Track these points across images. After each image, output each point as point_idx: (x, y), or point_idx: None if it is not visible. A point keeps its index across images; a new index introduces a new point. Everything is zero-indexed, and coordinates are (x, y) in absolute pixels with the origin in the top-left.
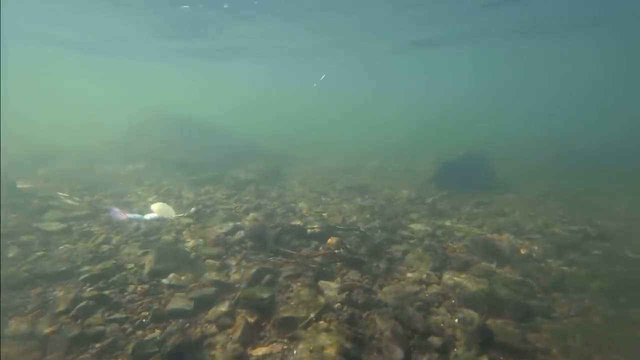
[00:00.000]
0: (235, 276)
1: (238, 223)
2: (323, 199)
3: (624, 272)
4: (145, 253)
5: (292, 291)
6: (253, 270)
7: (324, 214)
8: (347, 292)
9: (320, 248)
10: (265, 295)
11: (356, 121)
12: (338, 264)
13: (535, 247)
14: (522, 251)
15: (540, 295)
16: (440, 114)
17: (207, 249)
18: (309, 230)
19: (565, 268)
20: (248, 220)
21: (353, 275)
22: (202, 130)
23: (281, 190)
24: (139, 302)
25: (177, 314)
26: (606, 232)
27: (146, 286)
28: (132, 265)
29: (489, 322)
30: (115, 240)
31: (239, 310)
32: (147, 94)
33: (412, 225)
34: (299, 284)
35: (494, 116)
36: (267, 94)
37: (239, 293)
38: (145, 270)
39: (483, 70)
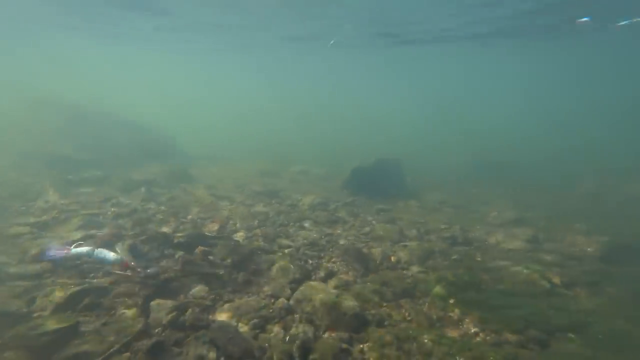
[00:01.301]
0: (42, 301)
1: (92, 232)
2: (222, 203)
3: (463, 275)
4: None
5: (113, 315)
6: (69, 293)
7: (201, 221)
8: (176, 313)
9: (180, 258)
10: (60, 325)
11: (294, 124)
12: (191, 277)
13: (404, 255)
14: (392, 259)
15: (387, 304)
16: (374, 120)
17: (22, 267)
18: (176, 240)
19: (421, 275)
20: (109, 228)
21: (199, 290)
22: (104, 124)
23: (180, 193)
24: None
25: None
26: (471, 238)
27: None
28: None
29: (326, 335)
30: None
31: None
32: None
33: (301, 232)
34: (126, 305)
35: (425, 125)
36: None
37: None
38: None
39: (418, 79)
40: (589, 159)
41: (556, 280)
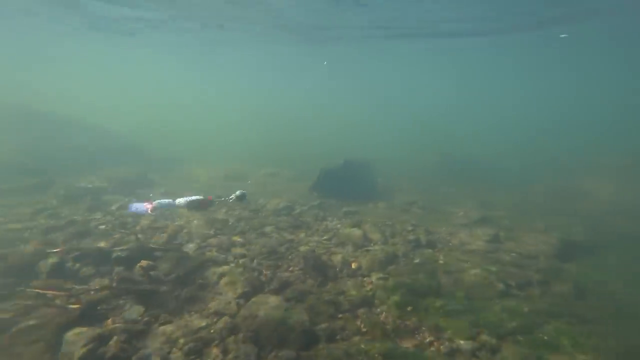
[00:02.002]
0: None
1: (5, 251)
2: (179, 211)
3: (423, 281)
4: None
5: (10, 355)
6: None
7: (152, 232)
8: (93, 344)
9: (115, 276)
10: None
11: (269, 125)
12: (126, 297)
13: (365, 261)
14: (354, 266)
15: (342, 315)
16: (348, 121)
17: None
18: (115, 254)
19: (381, 281)
20: (33, 245)
21: (133, 312)
22: (54, 126)
23: (135, 200)
24: None
25: None
26: (436, 239)
27: None
28: None
29: (272, 354)
30: None
31: None
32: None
33: (260, 240)
34: (31, 339)
35: (396, 125)
36: (184, 93)
37: None
38: None
39: (388, 79)
40: (550, 156)
41: (511, 281)
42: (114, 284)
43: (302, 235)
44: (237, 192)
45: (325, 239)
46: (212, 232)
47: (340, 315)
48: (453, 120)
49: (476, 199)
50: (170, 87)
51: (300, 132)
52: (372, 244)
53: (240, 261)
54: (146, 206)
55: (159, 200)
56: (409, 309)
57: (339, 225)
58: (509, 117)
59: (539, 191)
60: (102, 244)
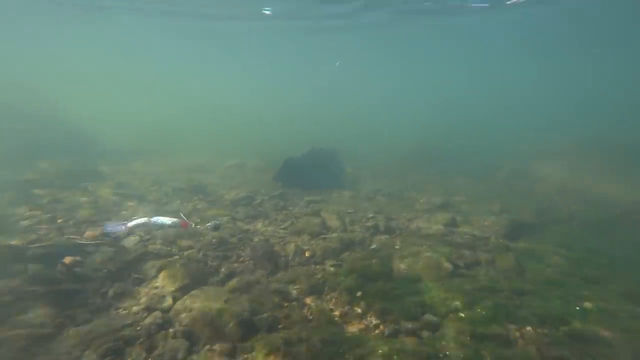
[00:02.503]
0: None
1: None
2: (128, 204)
3: (375, 266)
4: None
5: None
6: None
7: (87, 226)
8: None
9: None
10: None
11: (243, 116)
12: (37, 298)
13: (319, 248)
14: (307, 254)
15: (289, 303)
16: (318, 108)
17: None
18: (30, 252)
19: (333, 268)
20: None
21: (40, 315)
22: None
23: (75, 193)
24: None
25: None
26: (395, 226)
27: None
28: None
29: (206, 348)
30: None
31: None
32: None
33: (213, 232)
34: None
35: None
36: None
37: None
38: None
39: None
40: (511, 143)
41: (460, 262)
42: (25, 285)
43: (260, 225)
44: (211, 223)
45: (282, 229)
46: None
47: (286, 304)
48: (426, 111)
49: (441, 185)
50: (139, 77)
51: (276, 124)
52: (330, 232)
53: (186, 253)
54: (122, 227)
55: (136, 221)
56: (358, 294)
57: (298, 215)
58: (476, 105)
59: (500, 177)
60: (14, 242)
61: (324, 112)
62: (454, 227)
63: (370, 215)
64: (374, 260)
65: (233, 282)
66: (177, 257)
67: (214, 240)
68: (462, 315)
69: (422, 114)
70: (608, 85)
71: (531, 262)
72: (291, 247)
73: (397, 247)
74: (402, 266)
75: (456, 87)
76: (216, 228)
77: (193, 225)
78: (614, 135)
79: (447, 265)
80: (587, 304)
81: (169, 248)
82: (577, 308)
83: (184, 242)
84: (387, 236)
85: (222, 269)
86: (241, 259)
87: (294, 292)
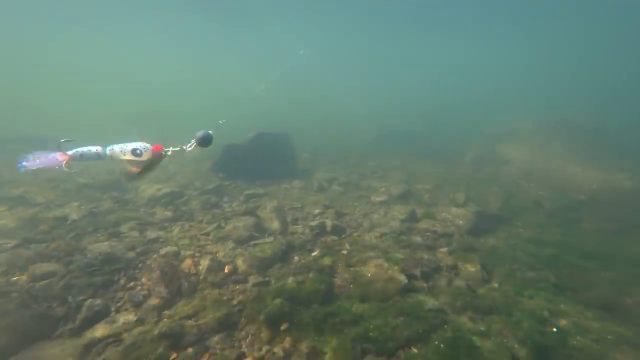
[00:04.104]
0: None
1: None
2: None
3: (312, 283)
4: None
5: None
6: None
7: None
8: None
9: None
10: None
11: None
12: None
13: (243, 261)
14: (227, 269)
15: (181, 351)
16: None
17: None
18: None
19: (258, 288)
20: None
21: None
22: None
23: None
24: None
25: None
26: (345, 224)
27: None
28: None
29: None
30: None
31: None
32: None
33: (104, 244)
34: None
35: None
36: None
37: None
38: None
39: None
40: (480, 125)
41: (417, 270)
42: None
43: (177, 230)
44: (199, 133)
45: (203, 234)
46: (16, 241)
47: (173, 356)
48: (393, 94)
49: (405, 172)
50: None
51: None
52: (266, 235)
53: (39, 284)
54: (57, 158)
55: (79, 149)
56: (283, 327)
57: (230, 214)
58: (443, 88)
59: (467, 160)
60: None
61: (289, 98)
62: (414, 222)
63: (318, 211)
64: (310, 275)
65: (99, 329)
66: (16, 294)
67: (95, 260)
68: (415, 351)
69: (395, 98)
70: (572, 68)
71: (498, 264)
72: (206, 262)
73: (344, 252)
74: (347, 280)
75: (427, 71)
76: (205, 142)
77: (169, 152)
78: (578, 118)
79: (400, 278)
80: (563, 322)
81: (15, 278)
82: (555, 329)
83: (46, 267)
84: (335, 238)
85: (88, 307)
86: (132, 283)
87: (194, 332)
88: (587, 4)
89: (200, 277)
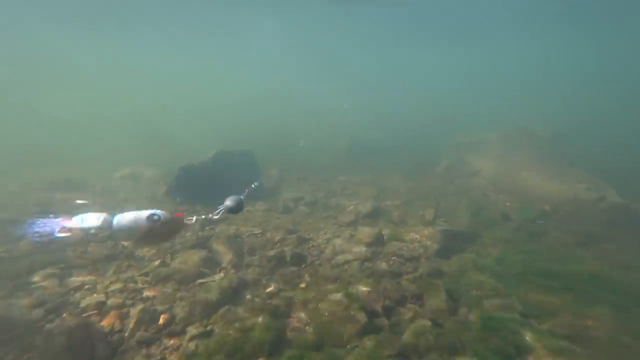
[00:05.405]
0: None
1: None
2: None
3: (258, 330)
4: None
5: None
6: None
7: None
8: None
9: None
10: None
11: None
12: None
13: (183, 307)
14: (162, 319)
15: None
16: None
17: None
18: None
19: (192, 344)
20: None
21: None
22: None
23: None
24: None
25: None
26: (306, 251)
27: None
28: None
29: None
30: None
31: None
32: None
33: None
34: None
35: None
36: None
37: None
38: None
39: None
40: (450, 134)
41: (378, 305)
42: None
43: (110, 272)
44: (229, 201)
45: (142, 275)
46: None
47: None
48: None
49: (375, 186)
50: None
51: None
52: (217, 270)
53: None
54: (60, 223)
55: (82, 215)
56: None
57: (179, 247)
58: (417, 98)
59: (438, 172)
60: None
61: (250, 111)
62: (380, 247)
63: (279, 237)
64: (260, 319)
65: None
66: None
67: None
68: None
69: (366, 107)
70: (533, 75)
71: (465, 291)
72: (136, 311)
73: (302, 285)
74: (302, 320)
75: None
76: (236, 208)
77: (194, 220)
78: (537, 126)
79: (360, 316)
80: None
81: None
82: None
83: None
84: (294, 269)
85: None
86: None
87: None
88: (553, 12)
89: (126, 334)
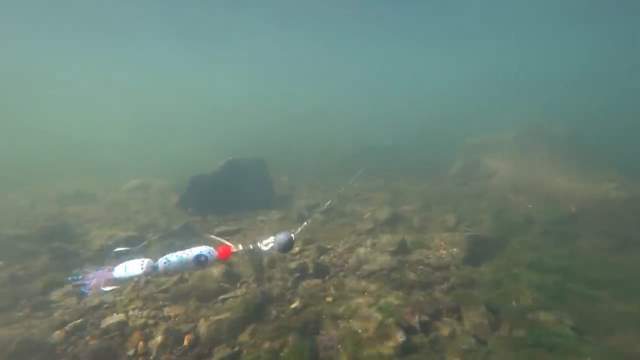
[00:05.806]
0: None
1: None
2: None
3: (288, 350)
4: None
5: None
6: None
7: None
8: None
9: None
10: None
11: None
12: None
13: (209, 325)
14: (187, 341)
15: None
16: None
17: None
18: None
19: None
20: None
21: None
22: None
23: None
24: None
25: None
26: (328, 261)
27: None
28: None
29: None
30: None
31: None
32: None
33: (2, 330)
34: None
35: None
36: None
37: None
38: None
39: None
40: (463, 136)
41: (414, 320)
42: None
43: (128, 289)
44: (281, 238)
45: (161, 291)
46: None
47: None
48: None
49: (390, 191)
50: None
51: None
52: (236, 287)
53: None
54: (105, 276)
55: (125, 263)
56: None
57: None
58: (420, 99)
59: (451, 174)
60: None
61: (259, 117)
62: (405, 255)
63: (298, 247)
64: (290, 338)
65: None
66: None
67: (6, 349)
68: None
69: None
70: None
71: (503, 303)
72: (159, 332)
73: (329, 299)
74: (333, 338)
75: (408, 82)
76: (285, 247)
77: (240, 249)
78: (556, 126)
79: (397, 335)
80: None
81: None
82: None
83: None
84: (318, 281)
85: None
86: None
87: None
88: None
89: (151, 357)
